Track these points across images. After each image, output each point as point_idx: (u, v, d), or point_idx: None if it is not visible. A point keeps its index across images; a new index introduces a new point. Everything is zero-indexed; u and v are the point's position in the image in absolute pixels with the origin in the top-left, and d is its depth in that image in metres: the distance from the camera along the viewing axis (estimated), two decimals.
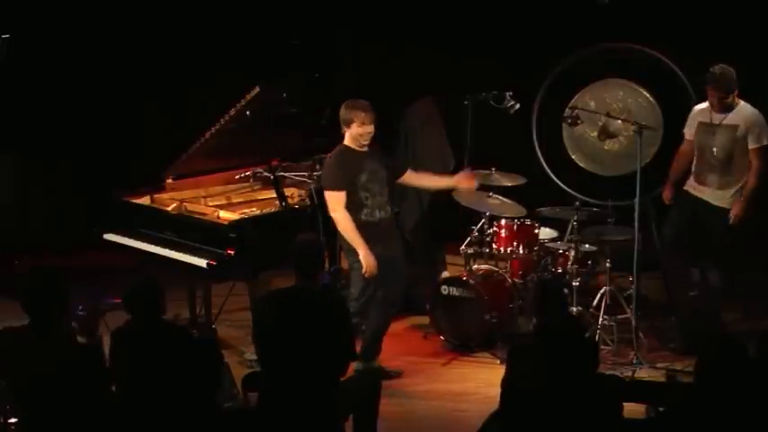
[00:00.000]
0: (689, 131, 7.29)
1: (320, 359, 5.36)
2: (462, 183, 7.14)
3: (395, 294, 6.93)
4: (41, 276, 5.07)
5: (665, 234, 7.42)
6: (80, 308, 5.57)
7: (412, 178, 7.09)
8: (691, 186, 7.29)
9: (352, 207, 6.66)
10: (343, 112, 6.70)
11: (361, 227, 6.64)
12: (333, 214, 6.67)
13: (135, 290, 5.16)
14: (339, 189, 6.64)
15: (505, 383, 5.14)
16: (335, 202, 6.65)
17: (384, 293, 6.81)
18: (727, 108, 7.12)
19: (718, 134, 7.12)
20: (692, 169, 7.27)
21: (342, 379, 5.66)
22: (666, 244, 7.41)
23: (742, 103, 7.16)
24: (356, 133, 6.66)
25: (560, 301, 5.43)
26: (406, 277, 7.05)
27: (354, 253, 6.65)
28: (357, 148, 6.71)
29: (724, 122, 7.11)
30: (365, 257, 6.60)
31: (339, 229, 6.68)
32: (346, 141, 6.74)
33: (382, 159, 6.83)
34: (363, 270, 6.61)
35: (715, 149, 7.12)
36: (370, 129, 6.67)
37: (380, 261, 6.65)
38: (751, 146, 7.08)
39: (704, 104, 7.24)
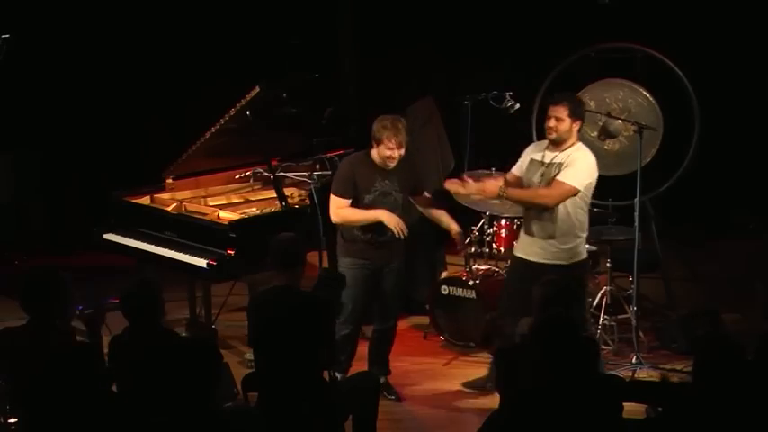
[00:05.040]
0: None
1: (308, 359, 5.39)
2: (453, 231, 6.70)
3: (387, 312, 6.73)
4: (40, 275, 5.06)
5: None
6: (80, 308, 5.56)
7: (419, 201, 6.74)
8: (517, 247, 6.64)
9: None
10: (375, 128, 6.40)
11: (354, 241, 6.49)
12: (333, 216, 6.51)
13: (132, 295, 5.14)
14: (343, 197, 6.47)
15: (500, 384, 5.16)
16: (337, 205, 6.49)
17: (376, 312, 6.69)
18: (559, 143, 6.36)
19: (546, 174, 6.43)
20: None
21: (341, 379, 5.67)
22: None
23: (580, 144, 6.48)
24: (383, 155, 6.40)
25: (563, 301, 5.44)
26: (402, 296, 6.87)
27: (345, 260, 6.53)
28: (377, 163, 6.47)
29: (555, 160, 6.39)
30: (387, 220, 6.32)
31: (347, 221, 6.44)
32: (371, 153, 6.48)
33: (401, 181, 6.53)
34: (395, 229, 6.32)
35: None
36: (399, 153, 6.36)
37: (366, 278, 6.49)
38: (559, 178, 6.29)
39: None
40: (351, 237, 6.53)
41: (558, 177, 6.29)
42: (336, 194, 6.51)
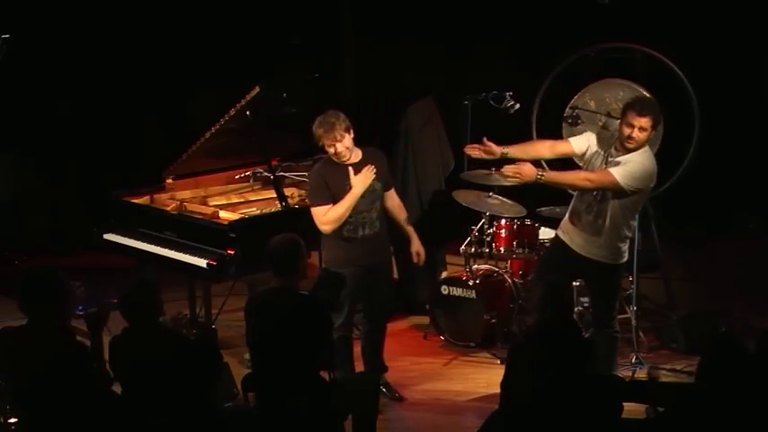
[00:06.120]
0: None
1: (307, 359, 5.40)
2: (415, 249, 6.68)
3: (377, 311, 6.65)
4: (40, 275, 5.06)
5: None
6: (81, 308, 5.56)
7: (389, 198, 6.62)
8: (561, 230, 6.57)
9: None
10: (313, 135, 6.32)
11: (342, 241, 6.37)
12: (323, 227, 6.33)
13: (129, 294, 5.14)
14: (324, 204, 6.32)
15: (506, 383, 5.15)
16: (321, 214, 6.33)
17: (364, 311, 6.63)
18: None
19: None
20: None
21: (341, 380, 5.67)
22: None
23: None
24: (330, 153, 6.32)
25: (564, 301, 5.44)
26: (392, 294, 6.83)
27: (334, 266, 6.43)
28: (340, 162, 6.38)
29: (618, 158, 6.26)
30: (363, 181, 6.24)
31: (339, 217, 6.28)
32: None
33: (376, 172, 6.40)
34: (369, 177, 6.24)
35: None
36: (343, 145, 6.23)
37: (359, 278, 6.39)
38: (608, 168, 6.22)
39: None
40: (333, 242, 6.40)
41: (609, 168, 6.22)
42: (317, 204, 6.36)
